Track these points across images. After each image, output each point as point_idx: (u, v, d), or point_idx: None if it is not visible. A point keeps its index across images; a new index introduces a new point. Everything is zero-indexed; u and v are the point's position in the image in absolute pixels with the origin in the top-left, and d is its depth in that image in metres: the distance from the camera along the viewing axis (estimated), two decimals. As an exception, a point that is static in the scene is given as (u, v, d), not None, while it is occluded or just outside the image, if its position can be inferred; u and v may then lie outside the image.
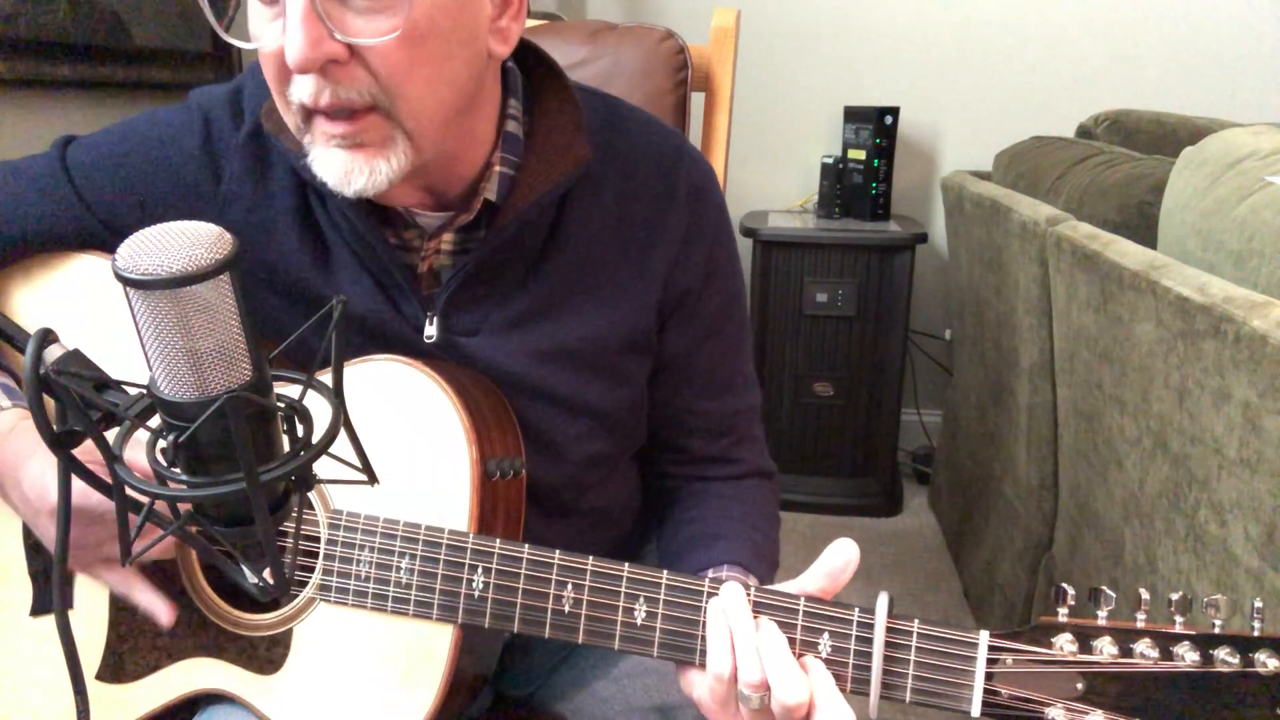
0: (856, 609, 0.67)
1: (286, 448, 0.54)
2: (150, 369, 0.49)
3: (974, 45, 2.84)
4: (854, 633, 0.67)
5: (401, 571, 0.75)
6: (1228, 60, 2.73)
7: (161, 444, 0.51)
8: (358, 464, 0.58)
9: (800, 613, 0.68)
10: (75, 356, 0.54)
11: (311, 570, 0.77)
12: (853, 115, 2.71)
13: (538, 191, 0.79)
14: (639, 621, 0.71)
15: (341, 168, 0.70)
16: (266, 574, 0.56)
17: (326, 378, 0.56)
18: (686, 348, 0.89)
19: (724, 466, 0.95)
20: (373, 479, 0.58)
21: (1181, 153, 1.35)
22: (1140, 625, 0.62)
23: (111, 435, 0.52)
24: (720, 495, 0.93)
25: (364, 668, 0.76)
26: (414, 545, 0.74)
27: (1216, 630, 0.61)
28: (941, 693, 0.65)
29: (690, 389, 0.91)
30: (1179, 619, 0.62)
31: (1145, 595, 0.63)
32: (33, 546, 0.83)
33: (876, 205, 2.68)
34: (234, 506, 0.53)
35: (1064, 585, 0.64)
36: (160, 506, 0.55)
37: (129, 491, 0.51)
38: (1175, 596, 0.61)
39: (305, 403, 0.54)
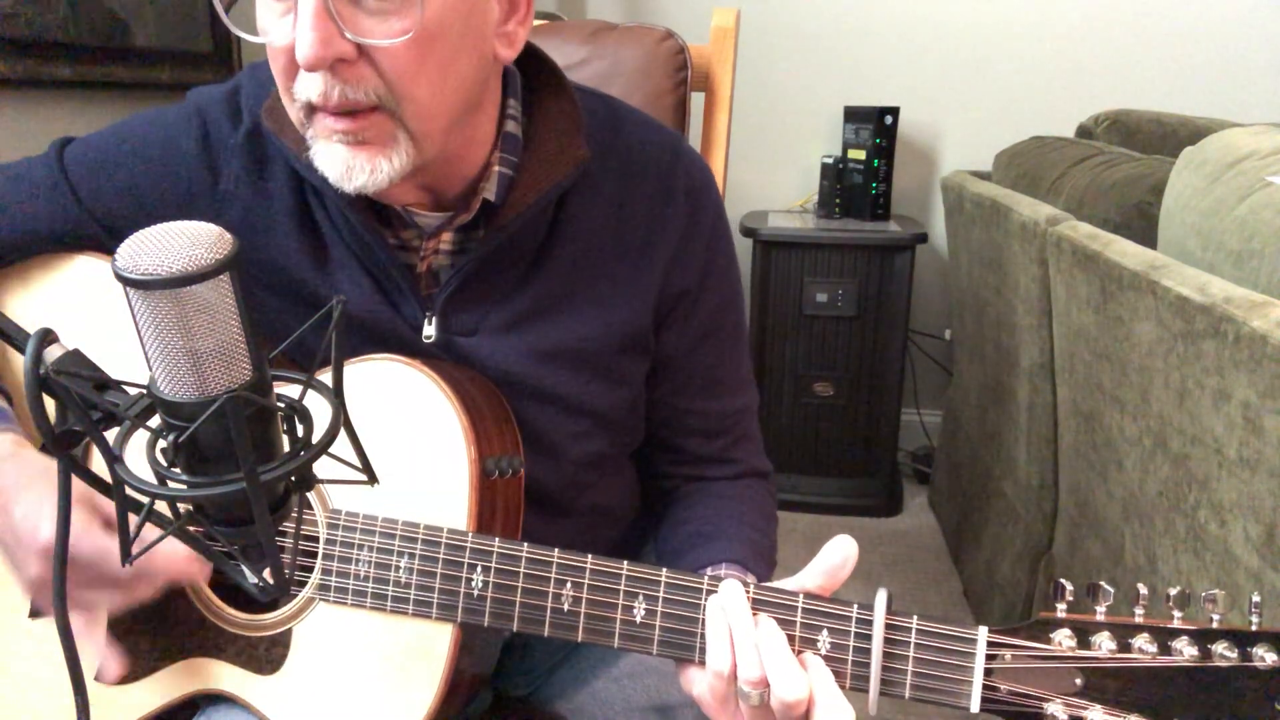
0: (855, 606, 0.67)
1: (286, 448, 0.54)
2: (150, 369, 0.49)
3: (974, 45, 2.84)
4: (853, 629, 0.67)
5: (400, 571, 0.75)
6: (1228, 60, 2.73)
7: (161, 444, 0.51)
8: (358, 464, 0.58)
9: (799, 610, 0.68)
10: (75, 356, 0.55)
11: (311, 570, 0.77)
12: (853, 115, 2.71)
13: (537, 192, 0.79)
14: (638, 619, 0.71)
15: (343, 163, 0.70)
16: (266, 574, 0.57)
17: (326, 377, 0.56)
18: (684, 348, 0.89)
19: (721, 466, 0.95)
20: (373, 479, 0.59)
21: (1181, 153, 1.35)
22: (1139, 620, 0.62)
23: (111, 435, 0.52)
24: (718, 495, 0.93)
25: (363, 667, 0.76)
26: (413, 544, 0.74)
27: (1215, 625, 0.61)
28: (940, 689, 0.65)
29: (688, 389, 0.91)
30: (1177, 614, 0.62)
31: (1144, 590, 0.63)
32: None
33: (876, 205, 2.68)
34: (234, 506, 0.53)
35: (1062, 581, 0.64)
36: (160, 506, 0.55)
37: (129, 491, 0.51)
38: (1174, 592, 0.61)
39: (305, 403, 0.54)
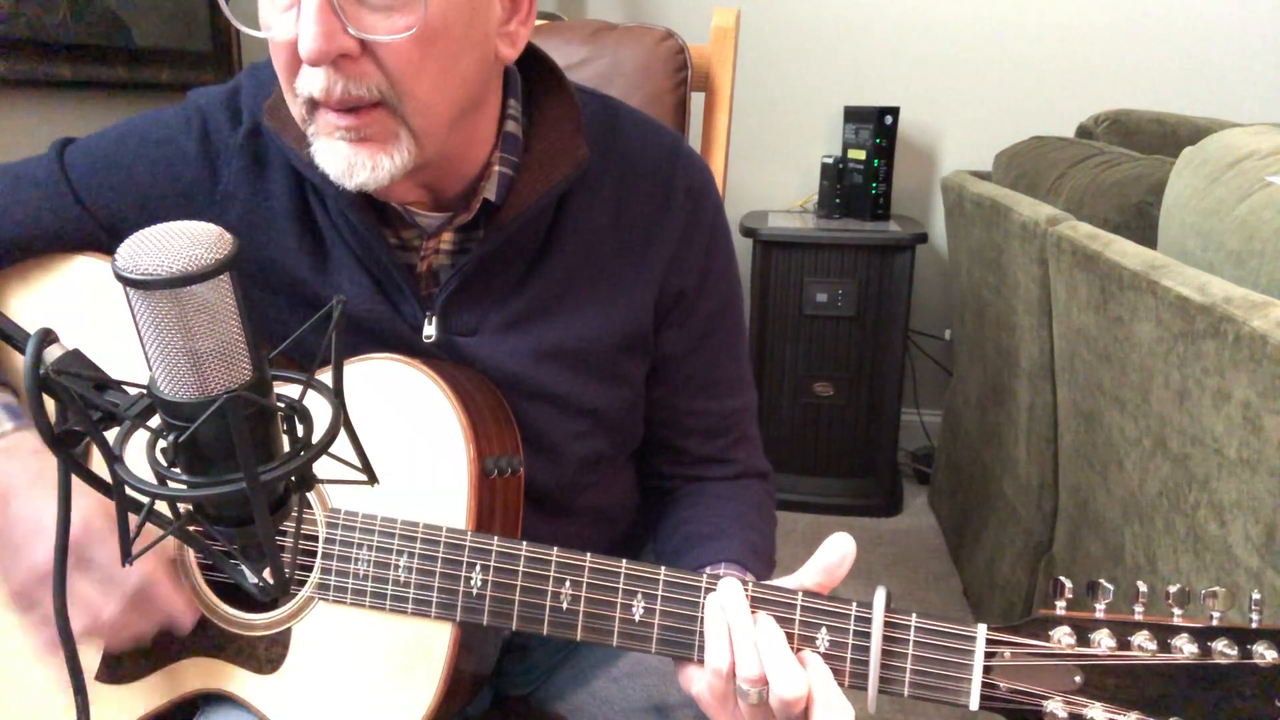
0: (854, 604, 0.67)
1: (286, 448, 0.54)
2: (150, 369, 0.49)
3: (974, 45, 2.84)
4: (852, 627, 0.67)
5: (400, 570, 0.75)
6: (1228, 60, 2.74)
7: (161, 444, 0.51)
8: (358, 464, 0.58)
9: (798, 608, 0.68)
10: (75, 356, 0.55)
11: (310, 569, 0.77)
12: (853, 115, 2.71)
13: (537, 192, 0.79)
14: (637, 618, 0.71)
15: (344, 160, 0.70)
16: (266, 574, 0.57)
17: (326, 377, 0.56)
18: (683, 348, 0.89)
19: (720, 467, 0.95)
20: (373, 479, 0.59)
21: (1181, 153, 1.36)
22: (1138, 618, 0.62)
23: (111, 435, 0.52)
24: (717, 495, 0.93)
25: (363, 666, 0.76)
26: (412, 543, 0.75)
27: (1215, 622, 0.61)
28: (940, 686, 0.65)
29: (687, 389, 0.91)
30: (1177, 611, 0.62)
31: (1143, 588, 0.63)
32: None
33: (876, 205, 2.68)
34: (234, 506, 0.53)
35: (1062, 579, 0.64)
36: (160, 506, 0.55)
37: (129, 491, 0.51)
38: (1173, 589, 0.61)
39: (305, 403, 0.54)
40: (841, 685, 0.67)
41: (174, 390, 0.49)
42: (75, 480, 0.53)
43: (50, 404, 0.53)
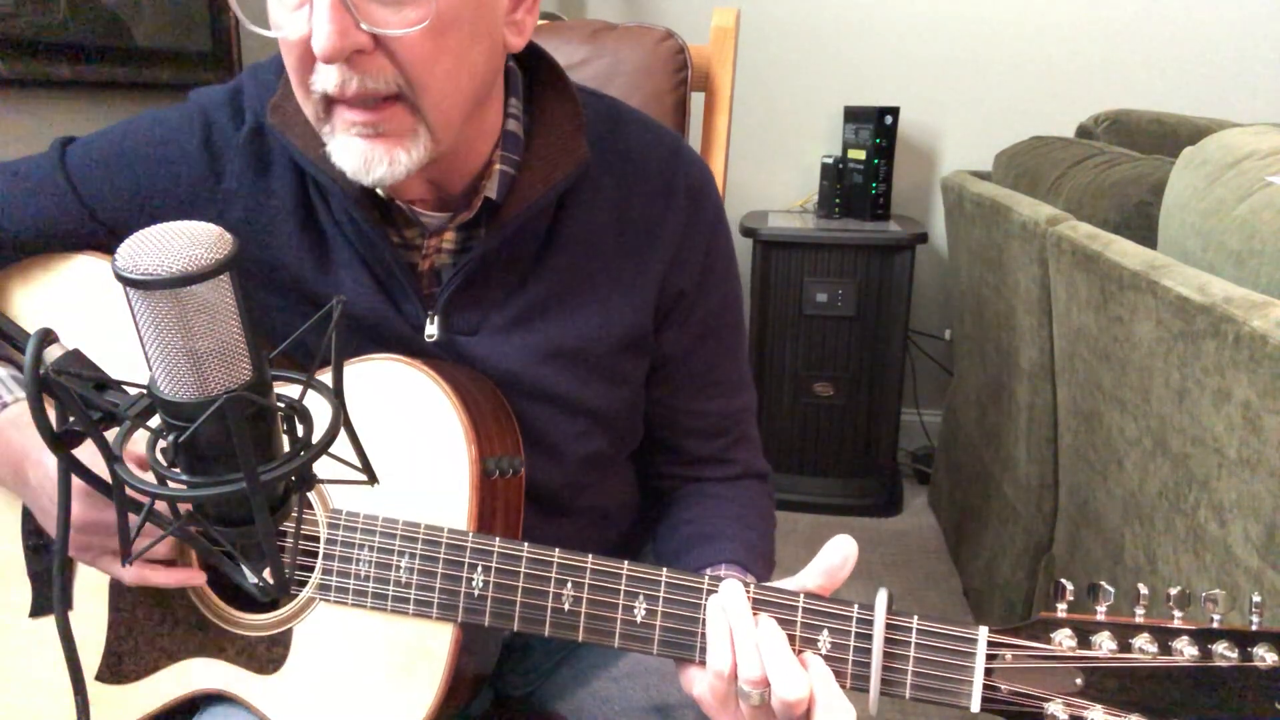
0: (856, 605, 0.67)
1: (286, 448, 0.54)
2: (150, 369, 0.49)
3: (974, 45, 2.84)
4: (853, 629, 0.67)
5: (401, 570, 0.75)
6: (1228, 60, 2.74)
7: (161, 444, 0.51)
8: (358, 464, 0.58)
9: (799, 609, 0.68)
10: (75, 356, 0.55)
11: (311, 570, 0.77)
12: (853, 115, 2.71)
13: (538, 190, 0.79)
14: (639, 619, 0.71)
15: (361, 156, 0.71)
16: (266, 574, 0.57)
17: (326, 377, 0.56)
18: (683, 348, 0.89)
19: (720, 467, 0.95)
20: (373, 479, 0.59)
21: (1181, 153, 1.35)
22: (1139, 620, 0.62)
23: (111, 435, 0.52)
24: (717, 496, 0.93)
25: (364, 667, 0.76)
26: (413, 544, 0.74)
27: (1215, 625, 0.61)
28: (941, 689, 0.65)
29: (686, 389, 0.91)
30: (1178, 614, 0.62)
31: (1144, 590, 0.63)
32: (32, 548, 0.83)
33: (876, 205, 2.68)
34: (234, 506, 0.53)
35: (1063, 581, 0.64)
36: (160, 506, 0.55)
37: (129, 491, 0.51)
38: (1174, 592, 0.61)
39: (305, 403, 0.54)
40: (843, 687, 0.66)
41: (174, 390, 0.49)
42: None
43: (50, 404, 0.53)
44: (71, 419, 0.52)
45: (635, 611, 0.71)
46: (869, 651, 0.66)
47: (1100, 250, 1.37)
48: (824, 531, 0.69)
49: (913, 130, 2.90)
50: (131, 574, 0.77)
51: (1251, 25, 2.71)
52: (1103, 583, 0.63)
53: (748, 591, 0.69)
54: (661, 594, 0.71)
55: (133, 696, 0.81)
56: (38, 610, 0.83)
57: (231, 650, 0.79)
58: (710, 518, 0.91)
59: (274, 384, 0.52)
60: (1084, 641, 0.63)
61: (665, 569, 0.71)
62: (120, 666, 0.81)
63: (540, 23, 1.41)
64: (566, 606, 0.72)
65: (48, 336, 0.52)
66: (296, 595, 0.78)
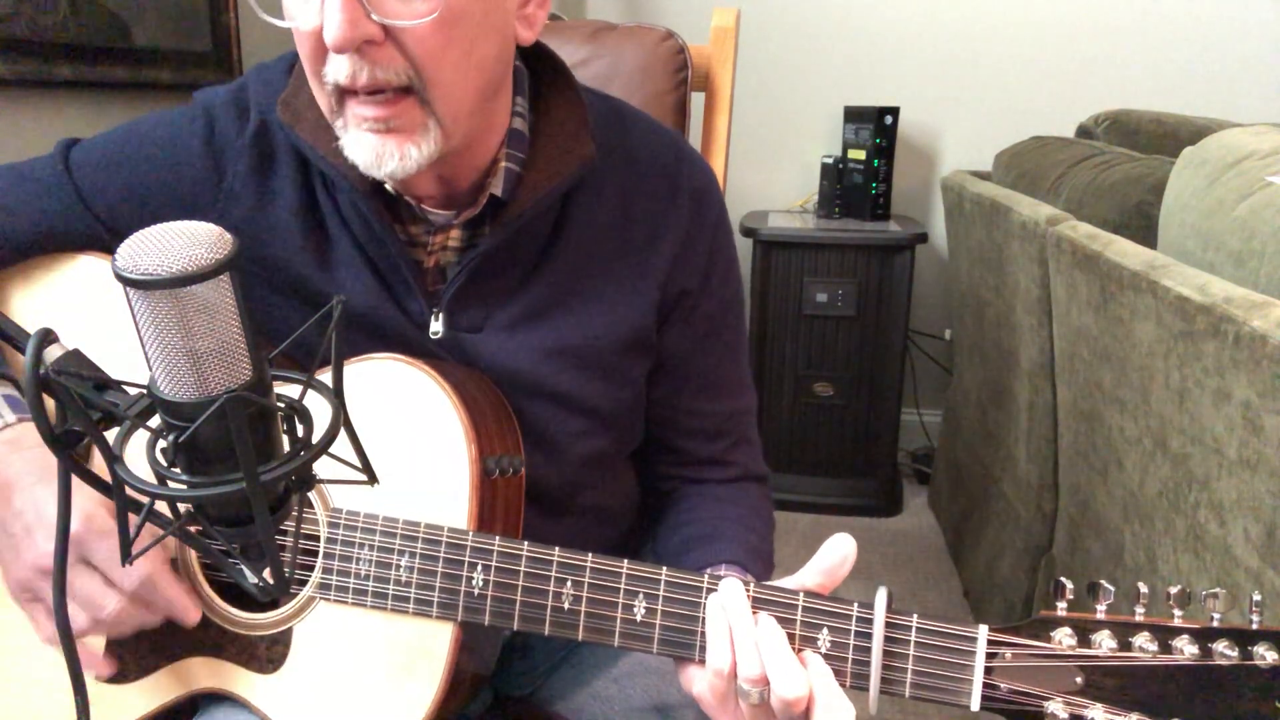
0: (856, 604, 0.67)
1: (286, 448, 0.54)
2: (150, 369, 0.49)
3: (974, 45, 2.84)
4: (853, 628, 0.67)
5: (401, 570, 0.75)
6: (1228, 60, 2.74)
7: (161, 444, 0.51)
8: (358, 464, 0.58)
9: (799, 608, 0.68)
10: (75, 356, 0.55)
11: (311, 569, 0.77)
12: (853, 115, 2.71)
13: (543, 188, 0.80)
14: (638, 618, 0.71)
15: (373, 150, 0.71)
16: (266, 574, 0.57)
17: (326, 377, 0.56)
18: (684, 348, 0.89)
19: (719, 469, 0.95)
20: (372, 479, 0.59)
21: (1181, 153, 1.36)
22: (1139, 619, 0.62)
23: (111, 435, 0.52)
24: (716, 498, 0.93)
25: (364, 666, 0.76)
26: (413, 543, 0.75)
27: (1215, 624, 0.61)
28: (941, 687, 0.65)
29: (687, 390, 0.91)
30: (1178, 613, 0.62)
31: (1144, 589, 0.63)
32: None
33: (876, 205, 2.68)
34: (234, 506, 0.53)
35: (1063, 580, 0.64)
36: (160, 506, 0.55)
37: (129, 491, 0.51)
38: (1174, 591, 0.62)
39: (305, 403, 0.54)
40: (843, 686, 0.67)
41: (174, 390, 0.49)
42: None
43: (50, 404, 0.53)
44: (71, 419, 0.52)
45: (635, 610, 0.71)
46: (869, 650, 0.66)
47: (1100, 250, 1.37)
48: (824, 531, 0.69)
49: (913, 130, 2.90)
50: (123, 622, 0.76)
51: (1251, 25, 2.71)
52: (1102, 581, 0.63)
53: (748, 590, 0.69)
54: (661, 593, 0.71)
55: (133, 696, 0.81)
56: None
57: (232, 649, 0.79)
58: (710, 519, 0.91)
59: (274, 384, 0.53)
60: (1084, 640, 0.63)
61: (665, 568, 0.71)
62: (121, 666, 0.81)
63: (541, 23, 1.41)
64: (566, 605, 0.72)
65: (48, 336, 0.52)
66: (297, 594, 0.78)
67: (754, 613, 0.68)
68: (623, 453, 0.94)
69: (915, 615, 0.66)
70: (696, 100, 1.33)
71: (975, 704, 0.65)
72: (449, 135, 0.73)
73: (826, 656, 0.67)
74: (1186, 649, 0.61)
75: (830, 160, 2.75)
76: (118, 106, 1.90)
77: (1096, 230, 1.47)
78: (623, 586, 0.71)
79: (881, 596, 0.66)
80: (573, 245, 0.83)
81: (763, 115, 2.95)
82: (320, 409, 0.55)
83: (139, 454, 0.51)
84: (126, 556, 0.54)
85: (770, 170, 3.00)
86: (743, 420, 0.96)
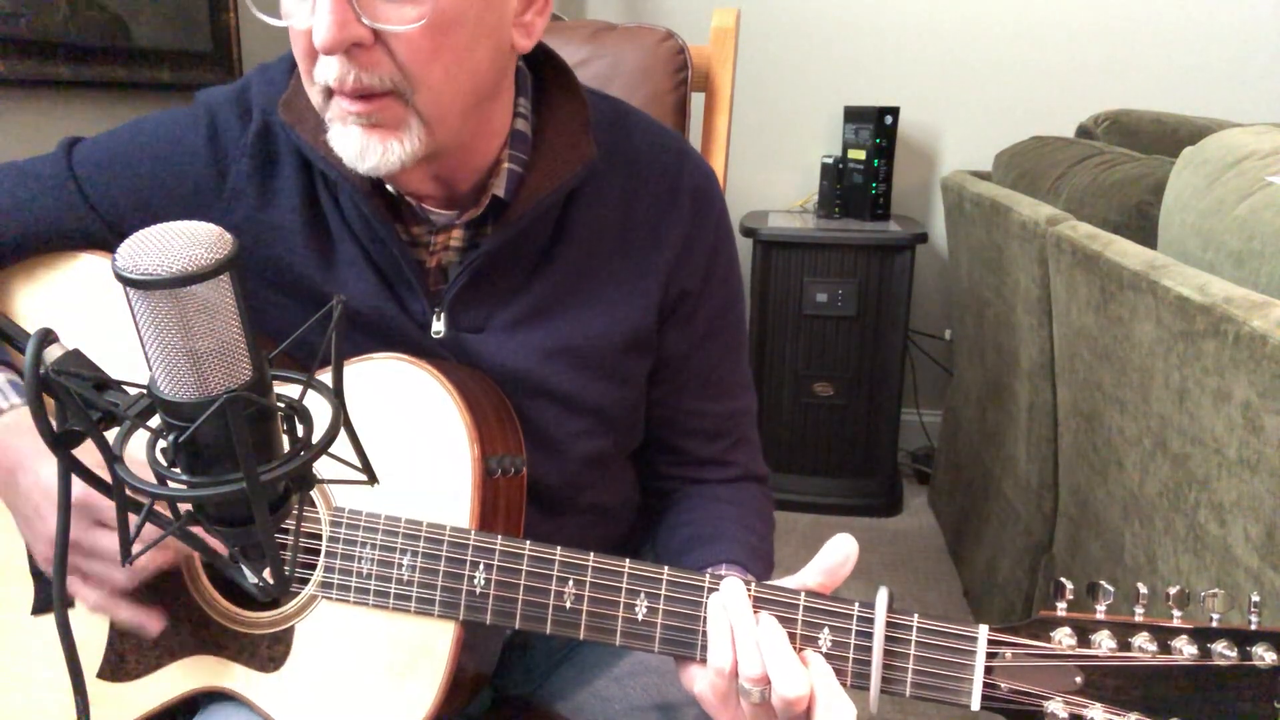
0: (857, 604, 0.68)
1: (287, 448, 0.54)
2: (150, 369, 0.49)
3: (974, 45, 2.84)
4: (854, 627, 0.67)
5: (403, 569, 0.75)
6: (1228, 60, 2.74)
7: (161, 444, 0.51)
8: (358, 464, 0.58)
9: (800, 607, 0.68)
10: (75, 356, 0.55)
11: (313, 568, 0.77)
12: (853, 115, 2.71)
13: (545, 189, 0.80)
14: (640, 617, 0.71)
15: (356, 144, 0.72)
16: (266, 574, 0.57)
17: (327, 377, 0.56)
18: (685, 348, 0.89)
19: (719, 469, 0.95)
20: (373, 479, 0.59)
21: (1181, 153, 1.36)
22: (1139, 619, 0.62)
23: (111, 435, 0.52)
24: (716, 498, 0.93)
25: (365, 665, 0.76)
26: (415, 542, 0.75)
27: (1214, 624, 0.61)
28: (941, 687, 0.66)
29: (688, 390, 0.91)
30: (1177, 613, 0.62)
31: (1144, 590, 0.63)
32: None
33: (876, 205, 2.68)
34: (234, 506, 0.53)
35: (1063, 580, 0.64)
36: (160, 506, 0.55)
37: (129, 491, 0.51)
38: (1173, 591, 0.62)
39: (307, 402, 0.54)
40: (843, 685, 0.67)
41: (174, 390, 0.49)
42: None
43: (51, 403, 0.53)
44: (71, 419, 0.52)
45: (637, 610, 0.71)
46: (869, 650, 0.66)
47: (1100, 250, 1.37)
48: (824, 531, 0.69)
49: (913, 130, 2.91)
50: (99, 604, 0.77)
51: (1251, 25, 2.71)
52: (1102, 582, 0.63)
53: (749, 590, 0.69)
54: (663, 592, 0.71)
55: (134, 694, 0.81)
56: (39, 608, 0.83)
57: (233, 648, 0.79)
58: (710, 519, 0.91)
59: (274, 384, 0.53)
60: (1084, 640, 0.63)
61: (666, 567, 0.71)
62: (121, 664, 0.81)
63: (541, 23, 1.41)
64: (568, 605, 0.72)
65: (48, 336, 0.52)
66: (299, 593, 0.78)
67: (755, 612, 0.68)
68: (623, 452, 0.94)
69: (916, 615, 0.66)
70: (696, 100, 1.33)
71: (975, 703, 0.65)
72: (434, 135, 0.72)
73: (827, 656, 0.67)
74: (1186, 649, 0.61)
75: (830, 160, 2.75)
76: (118, 106, 1.90)
77: (1096, 230, 1.47)
78: (624, 586, 0.71)
79: (882, 596, 0.66)
80: (574, 245, 0.83)
81: (763, 115, 2.95)
82: (321, 409, 0.55)
83: (139, 454, 0.51)
84: (126, 557, 0.54)
85: (770, 170, 3.00)
86: (743, 420, 0.96)
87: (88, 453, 0.52)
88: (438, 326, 0.82)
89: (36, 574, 0.83)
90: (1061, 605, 0.64)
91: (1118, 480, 1.37)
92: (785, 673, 0.65)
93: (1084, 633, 0.63)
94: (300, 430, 0.54)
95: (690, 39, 1.32)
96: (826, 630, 0.68)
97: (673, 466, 0.96)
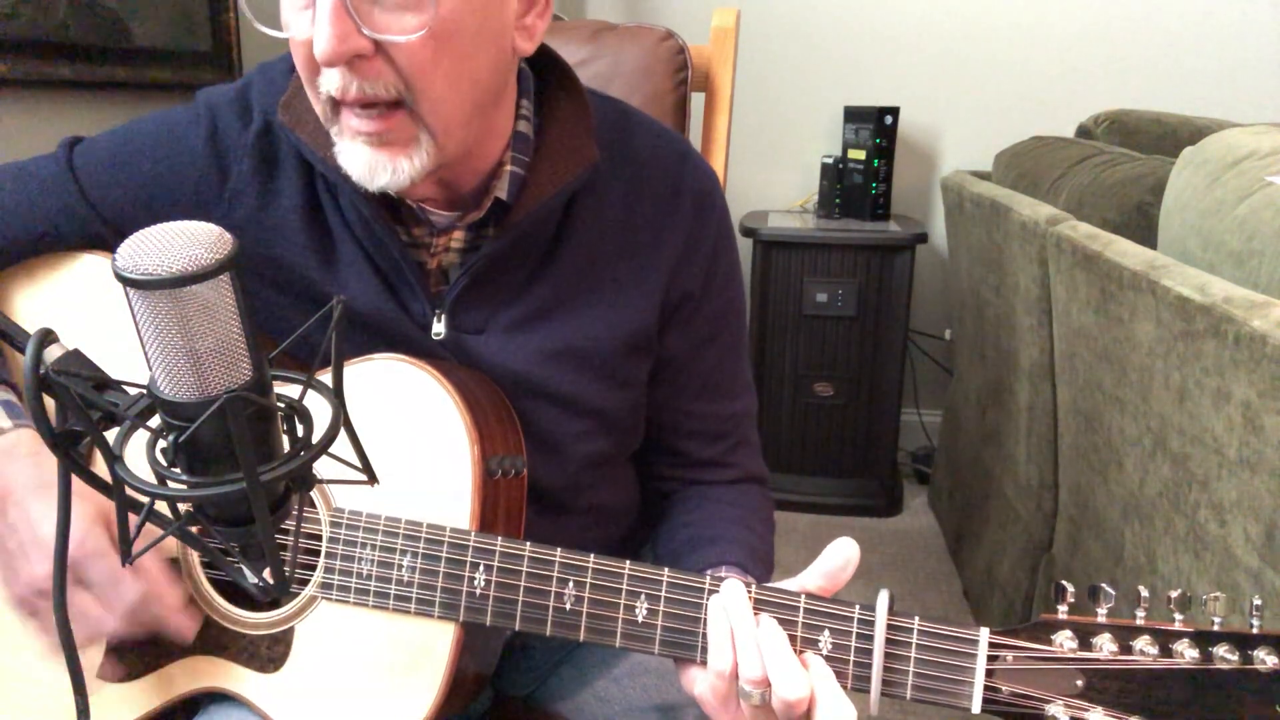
0: (857, 606, 0.67)
1: (287, 448, 0.54)
2: (150, 369, 0.49)
3: (974, 45, 2.84)
4: (855, 630, 0.67)
5: (403, 570, 0.75)
6: (1228, 60, 2.74)
7: (161, 444, 0.51)
8: (358, 464, 0.58)
9: (801, 610, 0.68)
10: (75, 356, 0.54)
11: (313, 569, 0.77)
12: (853, 115, 2.71)
13: (548, 191, 0.79)
14: (640, 619, 0.71)
15: (366, 164, 0.71)
16: (266, 574, 0.57)
17: (327, 377, 0.56)
18: (686, 350, 0.89)
19: (719, 470, 0.95)
20: (373, 479, 0.58)
21: (1181, 153, 1.36)
22: (1140, 622, 0.62)
23: (111, 435, 0.52)
24: (716, 500, 0.93)
25: (365, 666, 0.76)
26: (415, 544, 0.74)
27: (1216, 628, 0.61)
28: (942, 690, 0.65)
29: (688, 391, 0.91)
30: (1178, 616, 0.62)
31: (1145, 593, 0.63)
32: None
33: (876, 205, 2.68)
34: (234, 506, 0.53)
35: (1064, 583, 0.64)
36: (160, 506, 0.55)
37: (129, 491, 0.51)
38: (1175, 594, 0.61)
39: (307, 403, 0.54)
40: (844, 687, 0.66)
41: (174, 390, 0.48)
42: (73, 488, 0.52)
43: (50, 404, 0.53)
44: (71, 419, 0.52)
45: (637, 611, 0.71)
46: (870, 652, 0.66)
47: (1100, 250, 1.37)
48: (824, 531, 0.69)
49: (913, 130, 2.90)
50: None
51: (1251, 25, 2.71)
52: (1104, 585, 0.63)
53: (749, 591, 0.68)
54: (663, 594, 0.71)
55: (134, 694, 0.81)
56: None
57: (233, 649, 0.79)
58: (710, 521, 0.91)
59: (275, 384, 0.52)
60: (1085, 643, 0.63)
61: (667, 569, 0.71)
62: (122, 664, 0.81)
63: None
64: (568, 606, 0.72)
65: (48, 336, 0.52)
66: (298, 594, 0.78)
67: (755, 614, 0.68)
68: (624, 454, 0.94)
69: (917, 618, 0.66)
70: (696, 100, 1.33)
71: (976, 706, 0.65)
72: (442, 148, 0.72)
73: (828, 658, 0.67)
74: (1187, 653, 0.61)
75: (830, 160, 2.75)
76: (118, 106, 1.90)
77: (1096, 230, 1.47)
78: (624, 587, 0.71)
79: (883, 599, 0.66)
80: (576, 247, 0.83)
81: (763, 115, 2.94)
82: (322, 409, 0.55)
83: (139, 454, 0.51)
84: (127, 556, 0.54)
85: (770, 170, 2.99)
86: (743, 422, 0.96)
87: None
88: (438, 328, 0.82)
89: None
90: (1063, 608, 0.64)
91: (1118, 480, 1.37)
92: (786, 675, 0.65)
93: (1085, 636, 0.63)
94: (300, 430, 0.54)
95: (690, 39, 1.32)
96: (827, 633, 0.67)
97: (673, 468, 0.96)
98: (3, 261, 0.86)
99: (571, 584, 0.72)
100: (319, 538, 0.77)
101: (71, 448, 0.52)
